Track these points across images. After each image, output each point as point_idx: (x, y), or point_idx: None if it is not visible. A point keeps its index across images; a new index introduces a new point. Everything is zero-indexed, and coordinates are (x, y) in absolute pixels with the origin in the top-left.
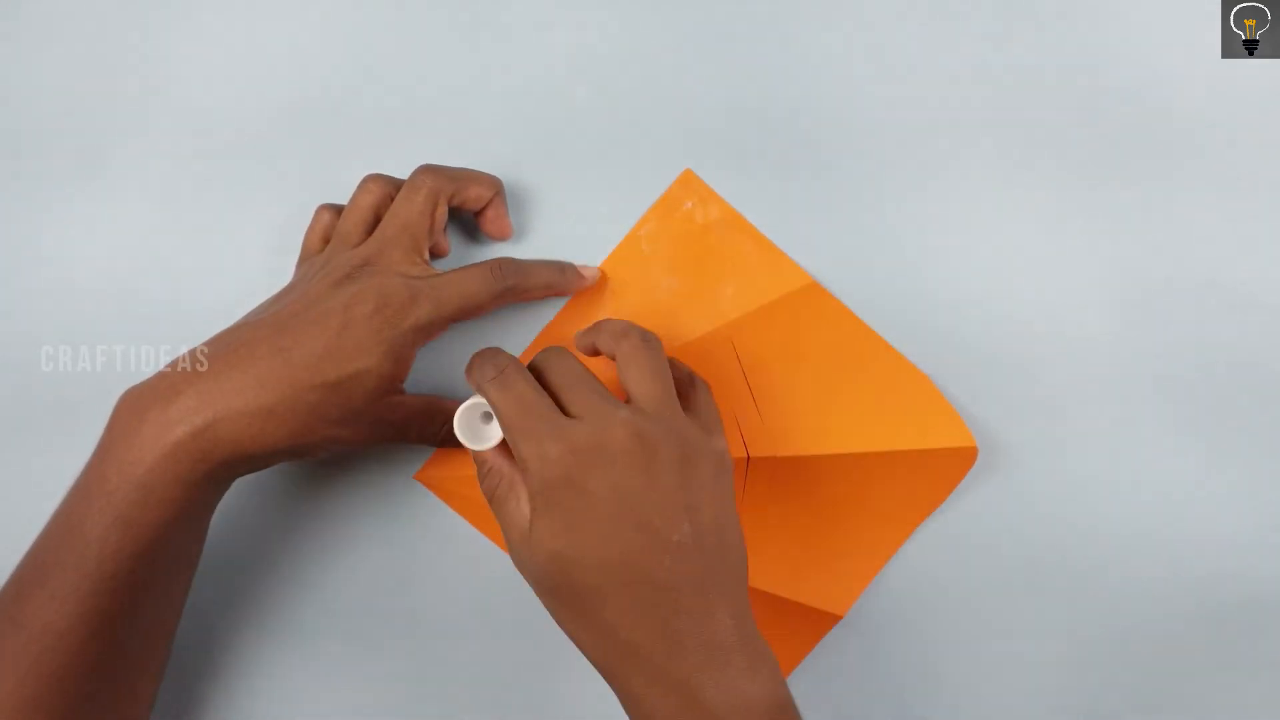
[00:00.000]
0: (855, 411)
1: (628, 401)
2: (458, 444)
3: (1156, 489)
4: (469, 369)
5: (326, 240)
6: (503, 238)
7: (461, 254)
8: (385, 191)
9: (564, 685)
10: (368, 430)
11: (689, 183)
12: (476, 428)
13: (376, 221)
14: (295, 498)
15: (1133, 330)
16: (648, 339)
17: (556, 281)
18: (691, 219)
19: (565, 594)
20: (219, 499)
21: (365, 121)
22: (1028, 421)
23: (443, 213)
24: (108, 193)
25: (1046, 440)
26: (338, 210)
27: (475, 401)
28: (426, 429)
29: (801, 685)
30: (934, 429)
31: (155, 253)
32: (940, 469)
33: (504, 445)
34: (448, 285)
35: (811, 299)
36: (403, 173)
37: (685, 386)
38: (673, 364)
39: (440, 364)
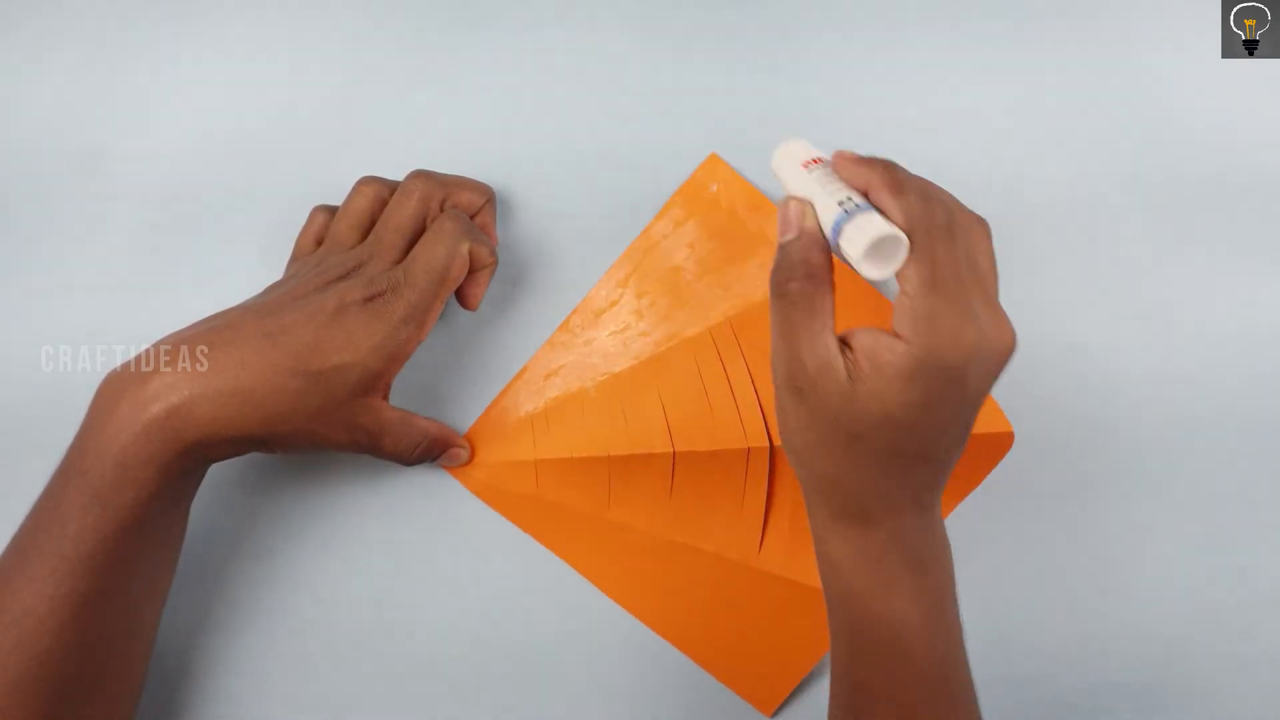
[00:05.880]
0: None
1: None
2: (427, 463)
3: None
4: (904, 190)
5: (319, 241)
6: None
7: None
8: (380, 194)
9: (561, 687)
10: (343, 431)
11: (714, 166)
12: (878, 255)
13: (371, 224)
14: (285, 495)
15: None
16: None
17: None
18: (717, 202)
19: (833, 438)
20: (194, 485)
21: (363, 121)
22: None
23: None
24: (106, 192)
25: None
26: (332, 211)
27: (898, 235)
28: (401, 443)
29: (822, 667)
30: None
31: (154, 253)
32: (974, 453)
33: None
34: (414, 262)
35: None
36: (400, 175)
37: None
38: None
39: (425, 384)
